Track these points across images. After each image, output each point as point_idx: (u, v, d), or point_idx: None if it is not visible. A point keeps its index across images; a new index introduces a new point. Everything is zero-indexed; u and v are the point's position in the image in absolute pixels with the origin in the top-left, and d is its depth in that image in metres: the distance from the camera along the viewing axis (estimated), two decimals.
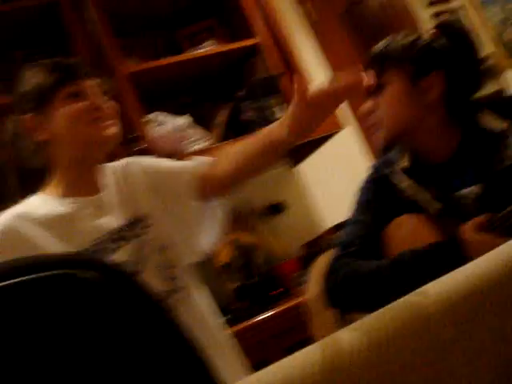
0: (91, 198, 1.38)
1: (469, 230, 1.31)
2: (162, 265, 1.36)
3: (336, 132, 2.55)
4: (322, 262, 1.69)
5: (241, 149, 1.48)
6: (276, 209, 2.72)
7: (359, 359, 0.63)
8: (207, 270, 2.55)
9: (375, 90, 1.44)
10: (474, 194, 1.42)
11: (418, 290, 0.74)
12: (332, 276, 1.47)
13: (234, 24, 2.87)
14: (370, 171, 1.62)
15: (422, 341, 0.65)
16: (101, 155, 1.43)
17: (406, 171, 1.50)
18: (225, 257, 2.55)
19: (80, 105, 1.35)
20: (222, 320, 1.53)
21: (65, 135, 1.36)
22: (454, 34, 1.46)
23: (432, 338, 0.65)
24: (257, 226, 2.64)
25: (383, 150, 1.59)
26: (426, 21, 3.92)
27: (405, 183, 1.50)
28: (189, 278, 1.42)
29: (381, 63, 1.45)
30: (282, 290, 2.40)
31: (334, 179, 2.91)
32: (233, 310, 2.40)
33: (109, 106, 1.40)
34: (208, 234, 1.49)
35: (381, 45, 1.48)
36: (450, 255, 1.28)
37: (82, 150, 1.38)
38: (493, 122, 1.41)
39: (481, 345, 0.66)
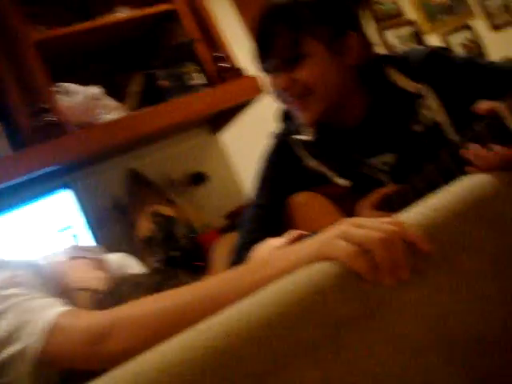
0: None
1: (364, 208, 1.27)
2: None
3: (256, 97, 2.48)
4: (226, 243, 1.65)
5: None
6: (197, 179, 2.65)
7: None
8: (128, 244, 2.47)
9: (289, 62, 1.31)
10: (387, 162, 1.37)
11: None
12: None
13: None
14: (271, 141, 1.53)
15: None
16: None
17: (310, 145, 1.42)
18: (145, 230, 2.47)
19: None
20: None
21: None
22: None
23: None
24: (177, 197, 2.57)
25: (282, 117, 1.51)
26: None
27: (309, 159, 1.43)
28: None
29: (296, 30, 1.30)
30: (204, 261, 2.34)
31: (255, 147, 2.82)
32: None
33: None
34: None
35: (280, 12, 1.32)
36: None
37: None
38: (407, 82, 1.36)
39: None
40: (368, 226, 0.76)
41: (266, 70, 1.37)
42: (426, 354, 0.75)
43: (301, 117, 1.38)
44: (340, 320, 0.71)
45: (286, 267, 0.78)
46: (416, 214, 0.87)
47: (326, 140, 1.43)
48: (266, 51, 1.34)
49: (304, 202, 1.40)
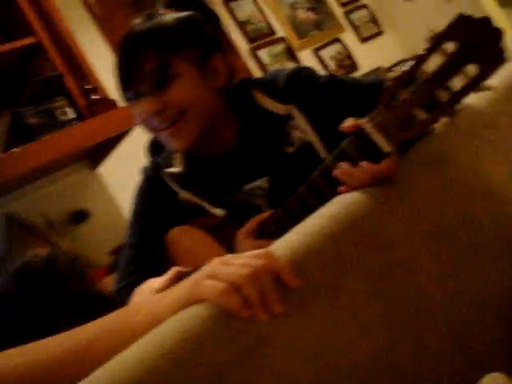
0: None
1: (242, 238, 1.25)
2: None
3: (131, 128, 2.42)
4: (109, 283, 1.58)
5: None
6: (78, 217, 2.55)
7: None
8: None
9: (158, 84, 1.24)
10: (262, 186, 1.35)
11: None
12: None
13: (8, 23, 2.64)
14: (142, 176, 1.49)
15: None
16: None
17: (182, 177, 1.39)
18: None
19: None
20: None
21: None
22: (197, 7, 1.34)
23: None
24: (59, 238, 2.46)
25: (151, 151, 1.48)
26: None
27: (180, 192, 1.39)
28: None
29: (163, 52, 1.25)
30: None
31: (136, 179, 2.76)
32: None
33: None
34: None
35: (144, 37, 1.27)
36: None
37: None
38: (272, 105, 1.34)
39: None
40: (235, 262, 0.75)
41: (133, 98, 1.29)
42: None
43: (172, 144, 1.31)
44: (221, 366, 0.68)
45: (162, 312, 0.75)
46: (289, 241, 0.85)
47: (197, 170, 1.39)
48: (131, 77, 1.27)
49: (179, 236, 1.35)
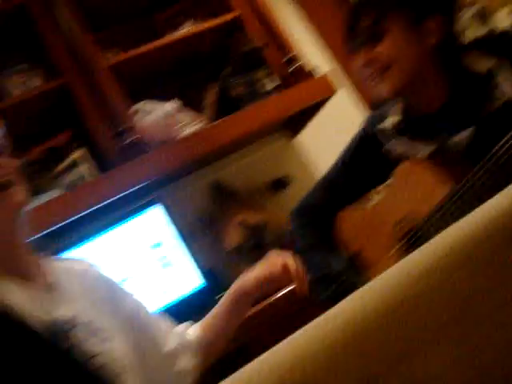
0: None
1: None
2: None
3: (330, 97, 2.46)
4: None
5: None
6: (280, 184, 2.63)
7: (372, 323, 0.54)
8: (218, 255, 2.48)
9: (372, 38, 1.40)
10: (466, 138, 1.38)
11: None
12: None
13: (211, 1, 2.77)
14: (362, 125, 1.63)
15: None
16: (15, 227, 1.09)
17: (398, 126, 1.50)
18: (235, 239, 2.47)
19: None
20: None
21: None
22: None
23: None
24: (262, 203, 2.56)
25: (376, 104, 1.57)
26: None
27: (395, 140, 1.51)
28: None
29: (380, 9, 1.39)
30: None
31: (334, 145, 2.79)
32: None
33: (3, 164, 1.07)
34: None
35: None
36: None
37: None
38: (479, 63, 1.37)
39: None
40: None
41: (352, 49, 1.46)
42: None
43: (381, 90, 1.44)
44: None
45: None
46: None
47: (411, 124, 1.50)
48: (353, 31, 1.44)
49: (412, 167, 1.44)
